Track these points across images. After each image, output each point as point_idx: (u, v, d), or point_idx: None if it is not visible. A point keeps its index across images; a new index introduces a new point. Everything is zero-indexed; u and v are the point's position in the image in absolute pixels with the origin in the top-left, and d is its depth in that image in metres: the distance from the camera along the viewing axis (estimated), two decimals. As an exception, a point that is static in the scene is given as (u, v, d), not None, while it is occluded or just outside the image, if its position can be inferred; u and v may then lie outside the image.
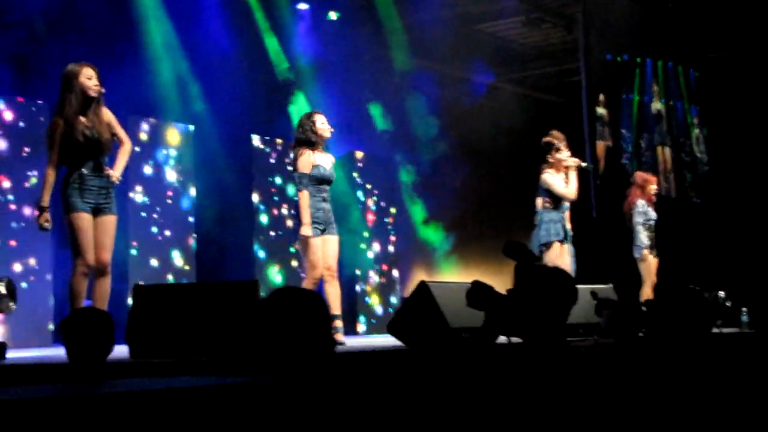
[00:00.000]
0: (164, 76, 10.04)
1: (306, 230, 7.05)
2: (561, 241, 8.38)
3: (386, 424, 3.46)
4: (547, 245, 8.37)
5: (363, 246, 12.35)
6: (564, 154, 8.40)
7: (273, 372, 3.57)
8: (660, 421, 3.88)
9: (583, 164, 8.70)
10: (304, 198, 7.13)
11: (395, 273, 12.80)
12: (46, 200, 5.90)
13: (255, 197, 11.17)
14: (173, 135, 10.41)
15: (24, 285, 8.58)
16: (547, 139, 8.49)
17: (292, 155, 7.44)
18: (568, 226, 8.50)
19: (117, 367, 5.05)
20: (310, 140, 7.24)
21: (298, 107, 11.37)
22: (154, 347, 5.36)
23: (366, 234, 12.42)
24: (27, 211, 8.85)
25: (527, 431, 3.54)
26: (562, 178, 8.39)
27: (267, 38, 11.37)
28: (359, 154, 12.58)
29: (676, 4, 12.10)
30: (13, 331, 8.41)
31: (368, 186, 12.67)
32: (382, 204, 12.85)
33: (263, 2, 11.31)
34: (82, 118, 5.93)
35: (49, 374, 4.40)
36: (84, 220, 5.87)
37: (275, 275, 11.17)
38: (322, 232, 7.19)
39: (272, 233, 11.28)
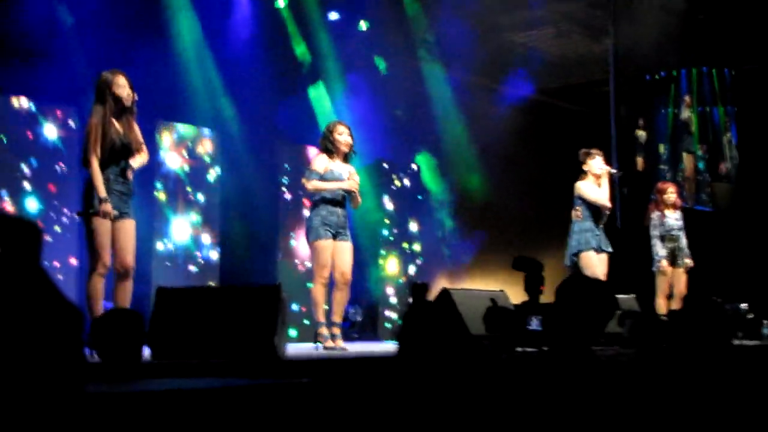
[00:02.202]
0: (193, 81, 10.08)
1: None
2: (596, 251, 8.42)
3: (404, 430, 3.48)
4: (578, 255, 8.41)
5: (384, 253, 12.40)
6: (596, 162, 8.52)
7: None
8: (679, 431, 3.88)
9: (613, 171, 8.84)
10: (309, 187, 7.38)
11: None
12: (103, 190, 5.93)
13: (281, 202, 11.24)
14: (200, 139, 10.47)
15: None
16: (586, 149, 8.64)
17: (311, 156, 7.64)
18: (605, 238, 8.54)
19: (139, 367, 5.11)
20: (328, 149, 7.44)
21: (317, 92, 11.44)
22: (176, 349, 5.41)
23: (390, 242, 12.45)
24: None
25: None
26: (594, 187, 8.48)
27: (296, 44, 11.42)
28: (385, 164, 12.61)
29: (707, 15, 12.07)
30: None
31: (393, 189, 12.70)
32: (407, 213, 12.87)
33: (294, 12, 11.36)
34: (116, 123, 6.04)
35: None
36: (104, 223, 5.94)
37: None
38: (334, 236, 7.28)
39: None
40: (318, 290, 7.26)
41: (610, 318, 4.16)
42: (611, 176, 8.74)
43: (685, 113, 13.40)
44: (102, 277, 5.95)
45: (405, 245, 12.71)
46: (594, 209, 8.46)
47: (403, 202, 12.82)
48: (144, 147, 6.30)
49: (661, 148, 13.00)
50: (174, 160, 10.19)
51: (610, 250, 8.52)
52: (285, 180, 11.34)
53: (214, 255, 10.46)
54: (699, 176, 13.38)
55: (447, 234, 13.23)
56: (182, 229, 10.25)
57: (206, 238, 10.40)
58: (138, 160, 6.21)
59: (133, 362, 4.24)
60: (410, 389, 3.55)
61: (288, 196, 11.34)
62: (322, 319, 7.27)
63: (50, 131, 9.08)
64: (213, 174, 10.58)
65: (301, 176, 7.80)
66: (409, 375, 3.74)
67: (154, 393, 3.14)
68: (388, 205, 12.58)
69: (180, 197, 10.23)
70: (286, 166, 11.37)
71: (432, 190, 13.20)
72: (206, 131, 10.53)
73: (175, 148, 10.23)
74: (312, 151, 10.99)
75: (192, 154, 10.39)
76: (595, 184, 8.54)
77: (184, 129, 10.35)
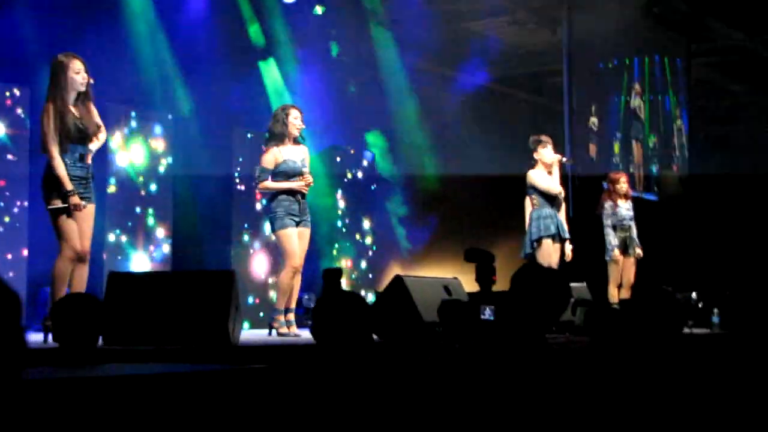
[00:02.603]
0: (147, 65, 9.95)
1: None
2: (552, 238, 8.46)
3: (357, 417, 3.47)
4: (539, 241, 8.46)
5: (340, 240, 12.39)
6: (547, 150, 8.57)
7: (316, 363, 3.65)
8: (630, 420, 3.91)
9: (564, 159, 8.92)
10: (260, 187, 7.44)
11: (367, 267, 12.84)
12: (69, 183, 5.88)
13: (236, 189, 11.12)
14: (154, 125, 10.34)
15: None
16: (534, 137, 8.68)
17: (263, 147, 7.53)
18: (564, 224, 8.61)
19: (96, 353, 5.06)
20: (279, 133, 7.37)
21: (268, 66, 11.39)
22: (128, 335, 5.36)
23: (343, 230, 12.45)
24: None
25: (498, 426, 3.56)
26: (545, 175, 8.54)
27: (251, 27, 11.33)
28: (338, 157, 12.57)
29: (662, 8, 12.19)
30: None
31: (346, 181, 12.66)
32: (360, 201, 12.85)
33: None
34: (72, 108, 5.96)
35: (40, 358, 4.41)
36: (66, 208, 5.88)
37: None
38: (297, 224, 7.27)
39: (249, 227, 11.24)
40: (286, 278, 7.25)
41: (564, 307, 4.18)
42: (562, 165, 8.82)
43: (635, 101, 13.53)
44: (70, 261, 5.90)
45: (357, 236, 12.67)
46: (548, 197, 8.52)
47: (355, 189, 12.78)
48: (102, 128, 6.24)
49: (616, 134, 13.09)
50: (123, 159, 9.99)
51: (567, 236, 8.58)
52: (237, 173, 11.14)
53: (166, 248, 10.32)
54: (648, 164, 13.51)
55: (399, 221, 13.22)
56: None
57: (159, 232, 10.26)
58: (96, 143, 6.16)
59: (90, 347, 4.19)
60: (327, 378, 3.53)
61: (241, 187, 11.18)
62: (281, 306, 7.25)
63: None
64: (164, 164, 10.40)
65: (255, 165, 7.74)
66: (326, 363, 3.72)
67: (105, 378, 3.11)
68: (341, 196, 12.52)
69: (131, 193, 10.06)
70: (240, 158, 11.15)
71: (384, 171, 13.15)
72: (157, 128, 10.30)
73: (123, 144, 10.01)
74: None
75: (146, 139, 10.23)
76: (546, 172, 8.60)
77: (138, 112, 10.16)
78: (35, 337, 6.14)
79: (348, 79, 12.34)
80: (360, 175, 12.90)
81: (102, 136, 6.23)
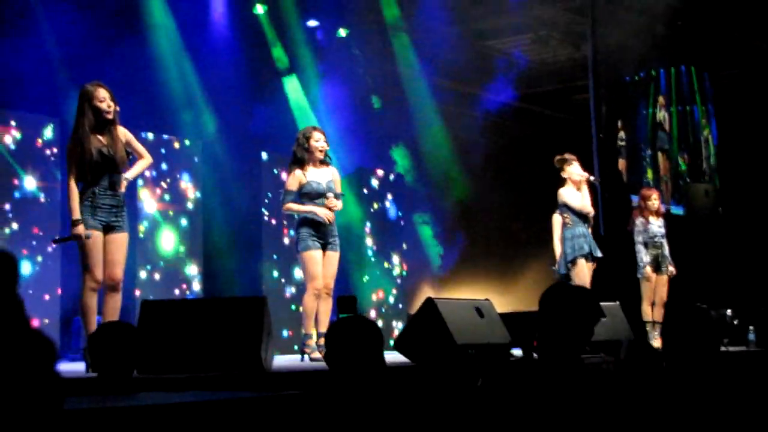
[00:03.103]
0: (173, 90, 10.01)
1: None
2: (586, 257, 8.44)
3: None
4: (573, 261, 8.44)
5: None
6: (574, 168, 8.55)
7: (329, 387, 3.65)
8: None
9: (592, 178, 8.90)
10: (284, 209, 7.41)
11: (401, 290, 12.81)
12: (76, 212, 5.91)
13: (265, 213, 11.15)
14: (182, 151, 10.40)
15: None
16: (560, 156, 8.66)
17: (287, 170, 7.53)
18: (594, 243, 8.59)
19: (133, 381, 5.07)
20: (301, 157, 7.34)
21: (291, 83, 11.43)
22: (162, 363, 5.36)
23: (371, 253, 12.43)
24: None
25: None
26: (576, 193, 8.53)
27: (274, 50, 11.39)
28: (370, 179, 12.61)
29: (685, 20, 12.12)
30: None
31: (375, 204, 12.66)
32: (390, 219, 12.85)
33: (273, 19, 11.33)
34: (99, 136, 5.99)
35: (76, 388, 4.42)
36: (93, 237, 5.90)
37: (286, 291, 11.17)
38: (323, 246, 7.24)
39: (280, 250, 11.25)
40: (309, 301, 7.22)
41: (594, 325, 4.15)
42: (590, 183, 8.80)
43: (660, 113, 13.46)
44: (94, 292, 5.93)
45: (386, 264, 12.64)
46: (580, 215, 8.51)
47: (383, 215, 12.77)
48: (143, 151, 6.31)
49: (643, 147, 13.01)
50: (150, 205, 10.08)
51: (599, 254, 8.55)
52: (266, 201, 11.18)
53: (196, 286, 10.38)
54: (676, 178, 13.41)
55: (428, 241, 13.20)
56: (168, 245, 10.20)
57: (192, 269, 10.33)
58: (136, 168, 6.26)
59: (127, 375, 4.21)
60: (340, 403, 3.53)
61: (272, 221, 11.22)
62: (310, 330, 7.22)
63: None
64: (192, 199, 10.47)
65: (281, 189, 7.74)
66: (340, 391, 3.71)
67: (141, 408, 3.11)
68: (369, 221, 12.50)
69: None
70: (269, 194, 11.15)
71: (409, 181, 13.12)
72: (188, 141, 10.39)
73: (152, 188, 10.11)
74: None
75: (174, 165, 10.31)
76: (575, 189, 8.59)
77: (165, 139, 10.22)
78: (72, 367, 6.16)
79: (372, 95, 12.34)
80: (388, 199, 12.87)
81: (143, 162, 6.31)
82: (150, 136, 9.79)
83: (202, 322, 5.50)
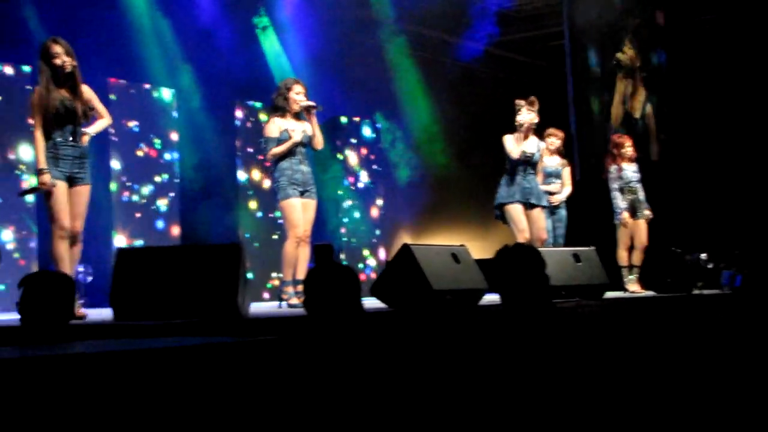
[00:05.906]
0: (147, 39, 9.92)
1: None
2: (522, 203, 8.31)
3: (369, 385, 3.48)
4: (500, 207, 8.40)
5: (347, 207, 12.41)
6: (523, 116, 8.35)
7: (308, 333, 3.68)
8: (640, 380, 3.93)
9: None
10: (269, 156, 7.38)
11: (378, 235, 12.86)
12: (42, 162, 5.97)
13: (239, 162, 11.14)
14: (155, 99, 10.35)
15: (15, 255, 8.64)
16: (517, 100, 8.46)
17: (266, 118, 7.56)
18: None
19: (101, 328, 5.07)
20: (282, 106, 7.39)
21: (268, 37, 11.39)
22: (139, 310, 5.37)
23: (349, 200, 12.45)
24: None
25: (510, 392, 3.57)
26: (515, 140, 8.34)
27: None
28: (343, 119, 12.55)
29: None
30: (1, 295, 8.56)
31: (350, 150, 12.64)
32: (366, 167, 12.85)
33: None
34: (61, 90, 6.05)
35: (5, 337, 4.43)
36: (57, 188, 5.97)
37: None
38: (301, 194, 7.29)
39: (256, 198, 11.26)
40: (290, 249, 7.27)
41: (542, 270, 4.17)
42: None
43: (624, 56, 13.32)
44: (63, 240, 5.99)
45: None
46: (516, 161, 8.34)
47: (360, 158, 12.77)
48: (104, 111, 6.38)
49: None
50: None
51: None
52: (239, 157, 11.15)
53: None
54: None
55: (405, 186, 13.18)
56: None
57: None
58: (97, 126, 6.31)
59: (60, 325, 4.17)
60: (319, 349, 3.57)
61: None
62: (289, 278, 7.26)
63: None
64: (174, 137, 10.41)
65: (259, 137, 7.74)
66: (318, 336, 3.75)
67: (116, 353, 3.11)
68: (346, 160, 12.52)
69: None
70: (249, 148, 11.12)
71: (388, 144, 13.12)
72: (162, 90, 10.33)
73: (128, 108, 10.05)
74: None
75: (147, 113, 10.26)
76: (522, 137, 8.37)
77: (139, 87, 10.15)
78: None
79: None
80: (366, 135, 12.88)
81: (103, 121, 6.37)
82: (124, 83, 9.75)
83: (179, 269, 5.50)
